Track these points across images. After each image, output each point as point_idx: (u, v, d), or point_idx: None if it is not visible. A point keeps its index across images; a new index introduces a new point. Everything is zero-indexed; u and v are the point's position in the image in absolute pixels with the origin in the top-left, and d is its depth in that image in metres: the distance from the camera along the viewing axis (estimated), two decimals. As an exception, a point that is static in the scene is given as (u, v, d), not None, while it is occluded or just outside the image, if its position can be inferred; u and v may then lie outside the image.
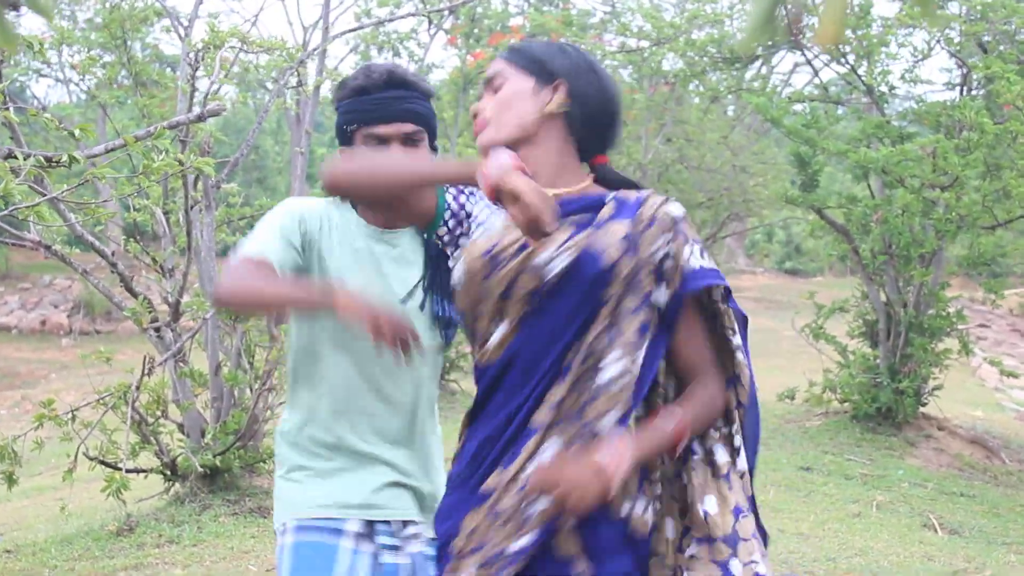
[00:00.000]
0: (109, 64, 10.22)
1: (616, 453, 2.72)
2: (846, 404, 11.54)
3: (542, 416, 2.81)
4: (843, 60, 11.56)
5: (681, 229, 2.89)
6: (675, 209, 2.91)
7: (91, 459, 7.97)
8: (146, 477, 8.75)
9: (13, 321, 26.94)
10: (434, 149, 3.61)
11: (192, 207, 8.30)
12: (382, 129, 3.51)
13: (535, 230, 2.63)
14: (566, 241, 2.81)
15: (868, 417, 11.19)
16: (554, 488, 2.70)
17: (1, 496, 10.93)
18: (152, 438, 8.42)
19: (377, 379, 3.55)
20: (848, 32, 11.19)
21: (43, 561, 7.88)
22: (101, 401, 7.90)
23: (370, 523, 3.56)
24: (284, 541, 3.54)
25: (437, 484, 3.67)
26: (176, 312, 8.48)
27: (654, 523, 2.94)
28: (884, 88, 11.23)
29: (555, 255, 2.80)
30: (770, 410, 12.23)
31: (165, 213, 8.96)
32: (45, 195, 5.80)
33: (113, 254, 8.33)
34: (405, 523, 3.60)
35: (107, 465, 8.04)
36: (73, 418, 7.79)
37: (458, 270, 2.90)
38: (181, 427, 8.80)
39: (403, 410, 3.60)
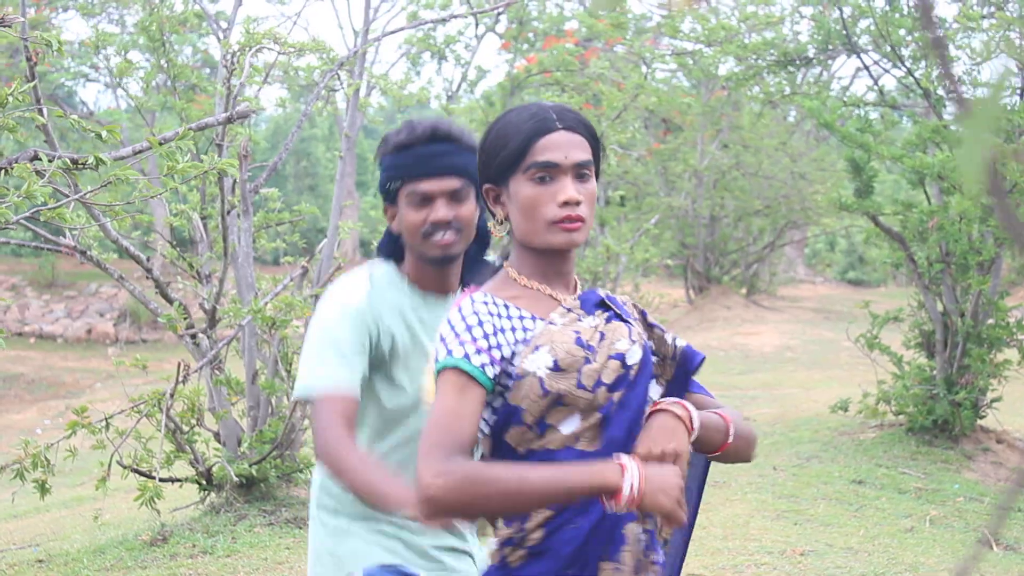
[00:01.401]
0: (147, 70, 10.14)
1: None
2: (901, 416, 11.26)
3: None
4: (899, 63, 11.30)
5: (652, 322, 3.00)
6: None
7: (124, 467, 7.86)
8: (181, 486, 8.66)
9: (59, 330, 27.03)
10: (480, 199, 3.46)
11: (228, 212, 8.18)
12: (426, 185, 3.45)
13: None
14: (633, 331, 2.86)
15: (924, 430, 10.90)
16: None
17: (40, 507, 10.93)
18: (187, 446, 8.31)
19: None
20: (904, 34, 10.96)
21: (75, 571, 7.80)
22: (135, 409, 7.79)
23: None
24: None
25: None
26: (213, 318, 8.37)
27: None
28: (941, 92, 10.97)
29: (630, 345, 2.82)
30: (823, 422, 11.99)
31: (203, 218, 8.87)
32: (69, 197, 5.67)
33: (148, 259, 8.22)
34: None
35: (141, 474, 7.94)
36: (107, 426, 7.69)
37: (543, 360, 2.76)
38: (217, 436, 8.70)
39: None
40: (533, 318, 2.81)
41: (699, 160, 23.26)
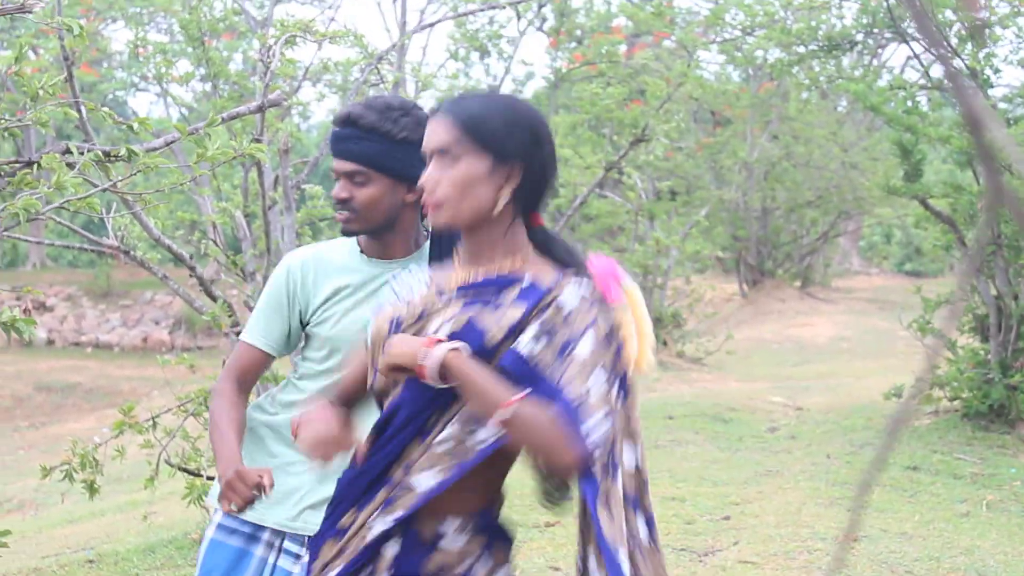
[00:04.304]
0: (187, 72, 10.17)
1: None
2: (956, 402, 11.12)
3: (397, 472, 2.90)
4: (945, 44, 11.17)
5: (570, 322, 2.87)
6: (570, 300, 2.86)
7: (171, 466, 7.85)
8: (230, 484, 8.64)
9: (115, 339, 27.20)
10: (412, 181, 3.57)
11: (270, 208, 8.15)
12: (335, 164, 3.76)
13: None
14: (455, 315, 2.89)
15: (980, 415, 10.76)
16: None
17: (95, 511, 10.99)
18: (235, 444, 8.29)
19: None
20: (950, 14, 10.83)
21: (125, 570, 7.81)
22: (182, 408, 7.78)
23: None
24: (207, 532, 3.88)
25: None
26: (257, 316, 8.33)
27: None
28: (989, 71, 10.82)
29: (441, 326, 2.87)
30: (877, 410, 11.87)
31: (246, 216, 8.85)
32: (102, 189, 5.65)
33: (191, 257, 8.20)
34: None
35: (189, 472, 7.93)
36: (154, 425, 7.68)
37: (369, 331, 3.06)
38: (265, 433, 8.65)
39: None
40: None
41: (749, 152, 23.11)
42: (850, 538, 6.94)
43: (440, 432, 2.86)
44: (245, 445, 3.85)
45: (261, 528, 3.78)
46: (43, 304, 26.96)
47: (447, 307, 2.91)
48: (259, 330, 3.88)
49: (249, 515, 3.73)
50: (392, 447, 2.90)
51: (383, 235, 3.81)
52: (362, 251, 3.87)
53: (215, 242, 8.83)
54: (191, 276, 8.27)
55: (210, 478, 7.72)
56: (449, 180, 2.89)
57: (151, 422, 7.64)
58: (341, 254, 3.89)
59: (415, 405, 2.89)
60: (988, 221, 10.15)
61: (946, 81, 10.45)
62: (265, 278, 8.32)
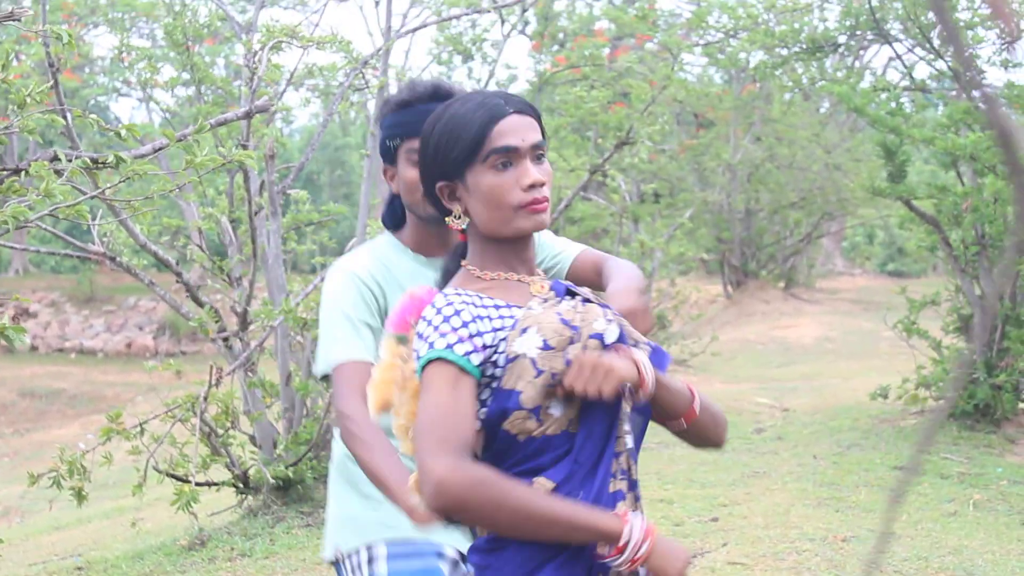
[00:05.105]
0: (173, 77, 10.16)
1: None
2: (941, 402, 11.14)
3: (619, 483, 2.72)
4: (927, 45, 11.19)
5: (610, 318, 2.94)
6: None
7: (160, 472, 7.83)
8: (218, 490, 8.64)
9: (99, 344, 27.16)
10: None
11: (256, 213, 8.15)
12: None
13: None
14: (599, 316, 2.75)
15: (965, 415, 10.79)
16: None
17: (81, 518, 10.97)
18: (222, 450, 8.29)
19: None
20: (932, 15, 10.86)
21: (113, 577, 7.79)
22: (170, 414, 7.77)
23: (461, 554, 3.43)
24: (376, 570, 3.38)
25: None
26: (244, 321, 8.34)
27: None
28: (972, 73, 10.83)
29: (606, 325, 2.73)
30: (863, 410, 11.90)
31: (231, 221, 8.85)
32: (91, 196, 5.64)
33: (177, 263, 8.20)
34: None
35: (177, 479, 7.92)
36: (142, 432, 7.67)
37: (533, 341, 2.65)
38: (252, 439, 8.68)
39: None
40: (508, 306, 2.73)
41: (732, 154, 23.16)
42: (883, 544, 6.91)
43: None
44: (335, 483, 3.59)
45: (439, 545, 3.42)
46: (26, 310, 26.91)
47: (588, 307, 2.77)
48: (359, 344, 3.36)
49: (417, 533, 3.35)
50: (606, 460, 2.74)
51: (442, 225, 3.30)
52: (413, 251, 3.56)
53: (200, 247, 8.83)
54: (177, 281, 8.27)
55: (200, 484, 7.72)
56: (548, 178, 2.78)
57: (138, 428, 7.62)
58: (394, 257, 3.55)
59: (637, 426, 2.79)
60: (1019, 230, 10.21)
61: (979, 101, 10.50)
62: (251, 283, 8.33)
